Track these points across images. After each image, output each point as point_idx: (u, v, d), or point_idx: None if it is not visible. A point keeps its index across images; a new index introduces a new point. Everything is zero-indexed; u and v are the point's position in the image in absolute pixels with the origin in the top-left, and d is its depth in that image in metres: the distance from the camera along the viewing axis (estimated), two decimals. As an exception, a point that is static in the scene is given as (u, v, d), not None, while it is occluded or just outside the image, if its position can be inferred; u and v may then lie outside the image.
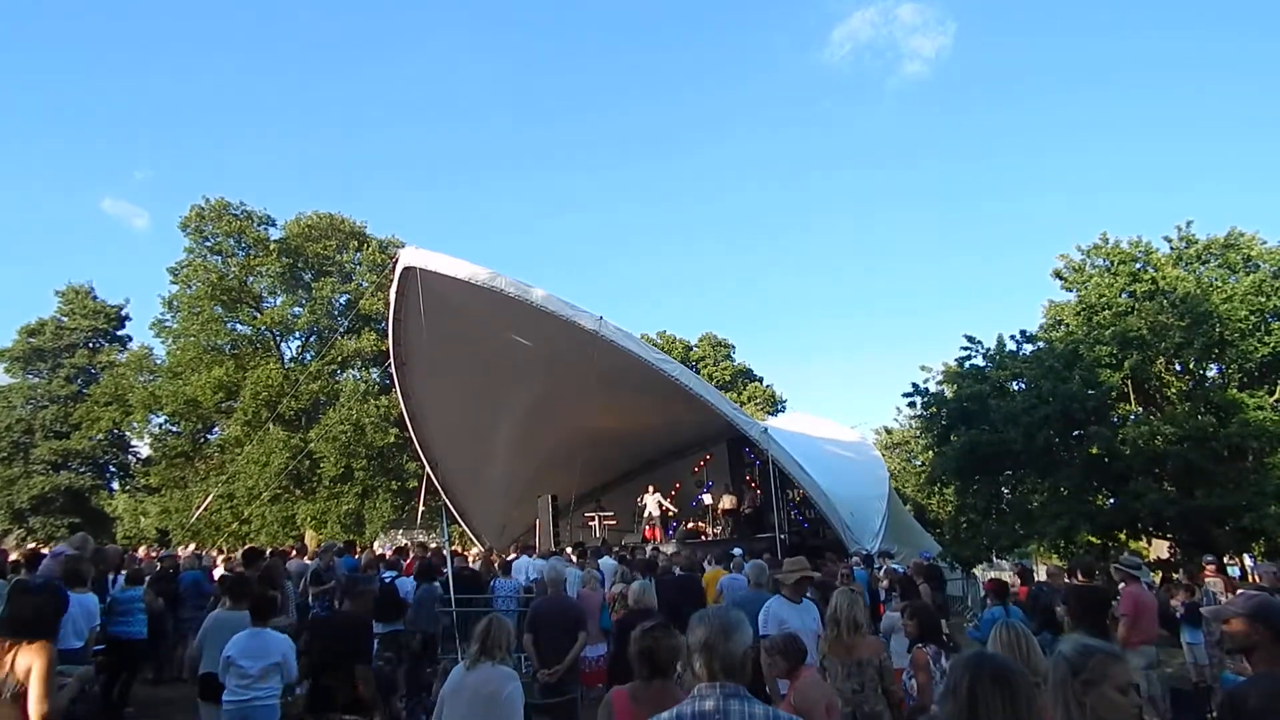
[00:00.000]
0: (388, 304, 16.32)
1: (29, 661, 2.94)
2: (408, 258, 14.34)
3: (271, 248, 27.38)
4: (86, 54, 65.29)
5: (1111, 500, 15.44)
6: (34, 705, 2.88)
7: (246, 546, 15.45)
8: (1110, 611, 6.53)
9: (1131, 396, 15.65)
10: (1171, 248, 17.22)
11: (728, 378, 39.32)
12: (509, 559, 12.35)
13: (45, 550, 9.80)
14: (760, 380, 41.77)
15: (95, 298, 32.92)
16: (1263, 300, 14.57)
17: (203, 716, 5.21)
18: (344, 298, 28.50)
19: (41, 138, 61.94)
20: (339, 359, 27.59)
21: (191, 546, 16.87)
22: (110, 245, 66.16)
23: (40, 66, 62.18)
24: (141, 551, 15.74)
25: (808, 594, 5.56)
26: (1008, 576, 11.15)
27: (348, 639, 4.55)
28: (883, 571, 11.01)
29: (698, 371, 31.76)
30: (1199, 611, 8.43)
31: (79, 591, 5.55)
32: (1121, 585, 6.85)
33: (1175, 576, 10.04)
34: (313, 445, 23.93)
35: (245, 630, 4.73)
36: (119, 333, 33.59)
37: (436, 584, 8.60)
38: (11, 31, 57.63)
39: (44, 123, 62.00)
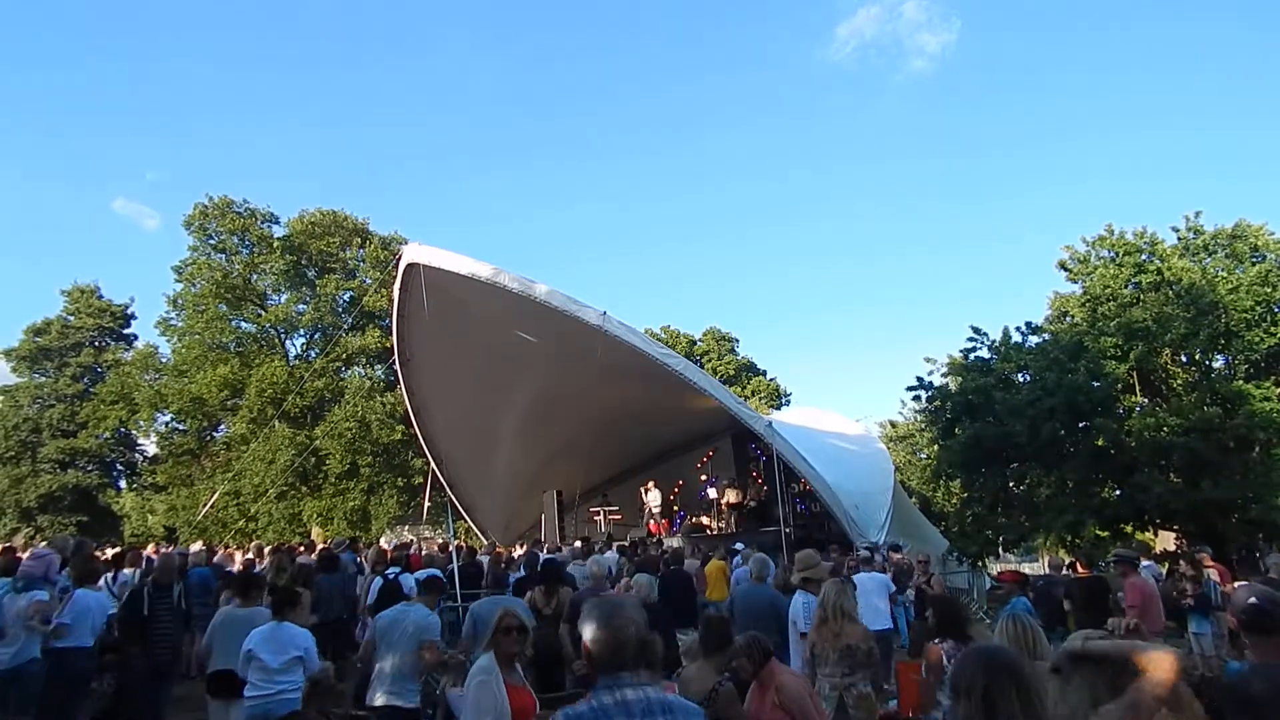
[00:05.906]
0: (391, 301, 16.32)
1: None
2: (411, 254, 14.34)
3: (275, 245, 27.42)
4: (96, 54, 65.37)
5: (1118, 492, 15.39)
6: None
7: (275, 544, 15.55)
8: (1111, 600, 6.52)
9: (1137, 388, 15.59)
10: (1179, 238, 17.12)
11: (732, 372, 39.29)
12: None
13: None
14: (764, 374, 41.72)
15: (100, 296, 32.95)
16: (1269, 291, 14.49)
17: (211, 713, 5.25)
18: (348, 295, 28.51)
19: (54, 138, 61.83)
20: (344, 356, 27.64)
21: (199, 544, 16.95)
22: (120, 246, 66.10)
23: (52, 67, 62.27)
24: (150, 549, 15.81)
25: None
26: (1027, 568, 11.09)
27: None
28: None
29: (702, 366, 31.72)
30: (1208, 602, 8.41)
31: (93, 589, 5.62)
32: (1123, 578, 6.85)
33: (1180, 568, 9.99)
34: (318, 442, 24.02)
35: (267, 624, 4.76)
36: (125, 331, 33.62)
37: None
38: (28, 30, 57.75)
39: (56, 124, 61.90)
